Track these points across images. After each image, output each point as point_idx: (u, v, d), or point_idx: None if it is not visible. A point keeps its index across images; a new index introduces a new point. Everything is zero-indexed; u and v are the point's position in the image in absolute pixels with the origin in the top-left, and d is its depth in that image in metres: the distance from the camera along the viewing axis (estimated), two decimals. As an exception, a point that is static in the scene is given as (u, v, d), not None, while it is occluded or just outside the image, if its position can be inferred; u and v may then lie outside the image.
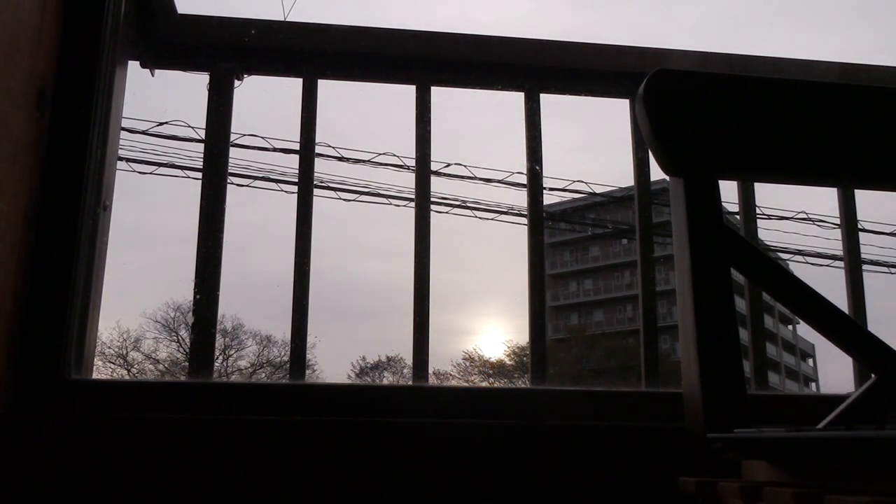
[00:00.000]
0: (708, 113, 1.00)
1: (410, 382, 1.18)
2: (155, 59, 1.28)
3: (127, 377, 12.74)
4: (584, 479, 1.05)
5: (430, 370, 1.20)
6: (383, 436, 1.04)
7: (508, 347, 22.12)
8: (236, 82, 1.27)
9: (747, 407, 0.88)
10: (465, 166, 7.58)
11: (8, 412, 1.00)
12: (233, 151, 1.26)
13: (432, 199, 1.27)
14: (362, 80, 1.36)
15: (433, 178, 1.28)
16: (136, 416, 1.02)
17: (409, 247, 1.23)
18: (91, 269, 1.11)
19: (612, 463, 1.07)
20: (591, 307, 30.86)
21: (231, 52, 1.27)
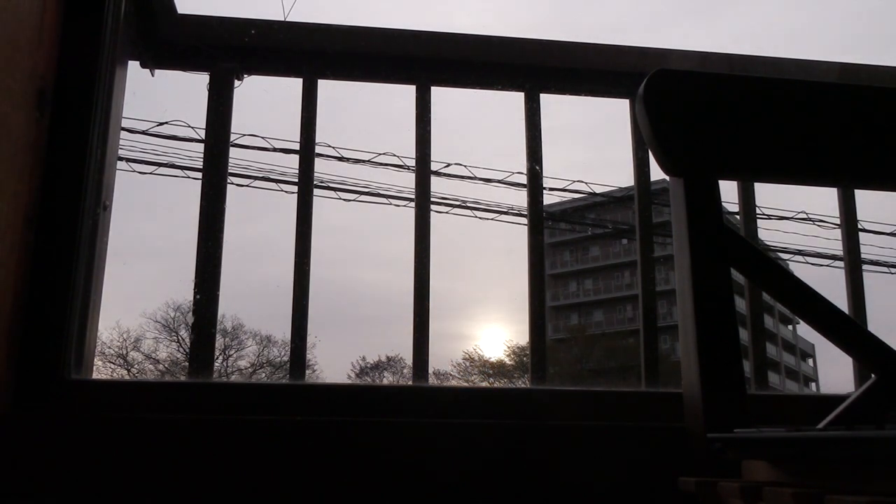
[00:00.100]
0: (708, 113, 1.00)
1: (410, 382, 1.18)
2: (155, 59, 1.28)
3: (127, 377, 12.73)
4: (584, 479, 1.05)
5: (430, 370, 1.20)
6: (383, 436, 1.04)
7: (508, 347, 22.14)
8: (236, 82, 1.27)
9: (747, 407, 0.88)
10: (465, 166, 7.59)
11: (8, 412, 1.00)
12: (233, 151, 1.26)
13: (432, 199, 1.27)
14: (362, 80, 1.36)
15: (433, 178, 1.28)
16: (136, 416, 1.02)
17: (409, 255, 1.23)
18: (91, 269, 1.11)
19: (612, 463, 1.07)
20: (591, 307, 30.87)
21: (231, 52, 1.27)
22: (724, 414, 0.87)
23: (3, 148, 0.97)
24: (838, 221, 1.35)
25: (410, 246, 1.24)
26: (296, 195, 1.24)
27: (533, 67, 1.34)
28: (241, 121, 1.36)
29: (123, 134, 2.41)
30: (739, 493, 0.70)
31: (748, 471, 0.80)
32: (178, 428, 1.02)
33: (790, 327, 29.57)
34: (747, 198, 1.32)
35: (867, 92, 1.04)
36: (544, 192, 1.31)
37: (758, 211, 1.34)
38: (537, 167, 1.30)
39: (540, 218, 1.28)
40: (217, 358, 1.22)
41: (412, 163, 1.28)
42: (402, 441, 1.04)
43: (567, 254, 31.85)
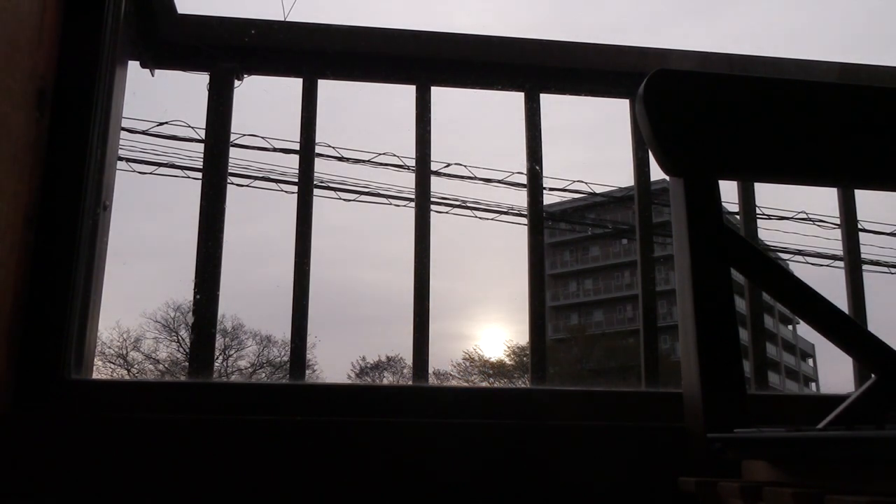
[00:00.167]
0: (708, 113, 1.00)
1: (410, 382, 1.18)
2: (155, 59, 1.28)
3: (127, 377, 12.74)
4: (584, 479, 1.05)
5: (430, 370, 1.20)
6: (383, 436, 1.04)
7: (508, 348, 22.15)
8: (236, 82, 1.27)
9: (747, 407, 0.88)
10: (465, 166, 7.59)
11: (8, 412, 1.00)
12: (233, 151, 1.26)
13: (432, 199, 1.27)
14: (362, 80, 1.36)
15: (433, 178, 1.29)
16: (136, 416, 1.02)
17: (409, 255, 1.23)
18: (91, 269, 1.11)
19: (612, 463, 1.07)
20: (591, 307, 30.87)
21: (231, 52, 1.27)
22: (724, 414, 0.87)
23: (3, 148, 0.97)
24: (838, 221, 1.35)
25: (410, 246, 1.24)
26: (296, 195, 1.24)
27: (533, 67, 1.34)
28: (241, 121, 1.36)
29: (123, 134, 2.41)
30: (739, 493, 0.70)
31: (748, 471, 0.80)
32: (178, 428, 1.02)
33: (790, 327, 29.57)
34: (747, 198, 1.32)
35: (867, 92, 1.04)
36: (544, 192, 1.31)
37: (758, 211, 1.34)
38: (537, 167, 1.30)
39: (540, 218, 1.28)
40: (217, 358, 1.22)
41: (412, 163, 1.28)
42: (402, 441, 1.04)
43: (567, 254, 31.85)
